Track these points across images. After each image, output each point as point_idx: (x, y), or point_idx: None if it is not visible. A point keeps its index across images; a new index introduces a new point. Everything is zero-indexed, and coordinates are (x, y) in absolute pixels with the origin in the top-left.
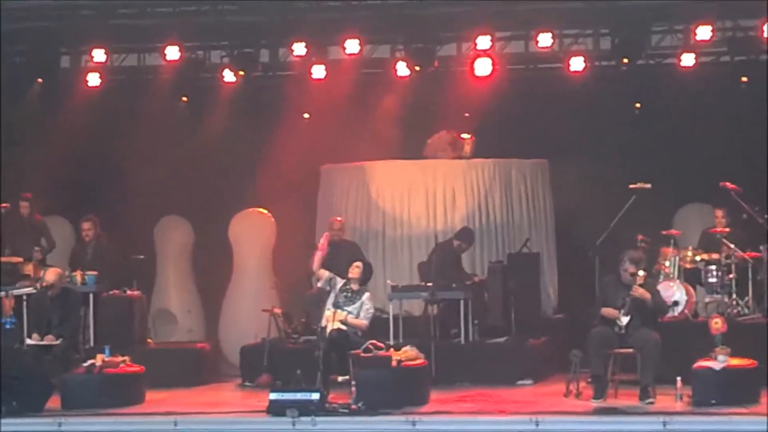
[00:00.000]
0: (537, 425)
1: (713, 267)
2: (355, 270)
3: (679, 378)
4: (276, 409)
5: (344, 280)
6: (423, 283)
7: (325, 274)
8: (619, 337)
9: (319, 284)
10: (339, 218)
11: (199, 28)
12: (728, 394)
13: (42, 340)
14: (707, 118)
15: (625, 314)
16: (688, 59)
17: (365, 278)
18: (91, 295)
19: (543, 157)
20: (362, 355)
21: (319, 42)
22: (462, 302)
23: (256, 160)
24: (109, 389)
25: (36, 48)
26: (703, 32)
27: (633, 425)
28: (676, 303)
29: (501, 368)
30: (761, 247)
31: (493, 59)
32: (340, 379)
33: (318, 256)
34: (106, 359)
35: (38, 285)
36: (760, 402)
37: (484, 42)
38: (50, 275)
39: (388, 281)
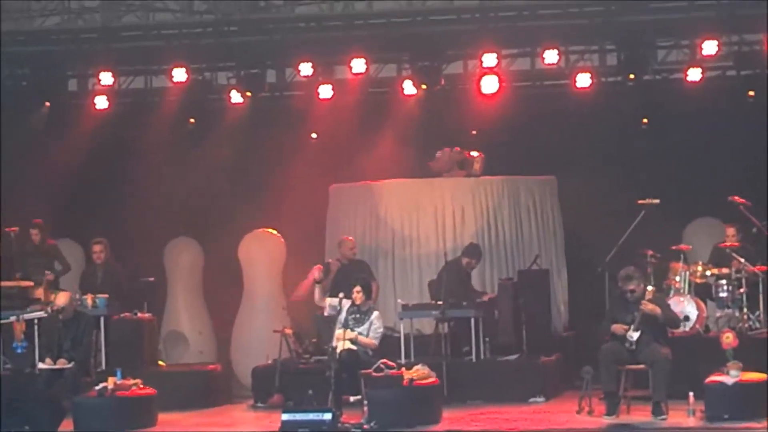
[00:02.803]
0: None
1: (724, 281)
2: (358, 296)
3: (691, 393)
4: (288, 430)
5: (352, 300)
6: (433, 302)
7: (328, 302)
8: (630, 353)
9: (326, 313)
10: (351, 238)
11: (206, 50)
12: (741, 409)
13: (54, 363)
14: (715, 133)
15: (635, 329)
16: (694, 74)
17: (368, 295)
18: (102, 318)
19: (551, 173)
20: (374, 374)
21: (326, 62)
22: (473, 320)
23: (264, 180)
24: (121, 412)
25: (43, 71)
26: (709, 47)
27: None
28: (687, 318)
29: (513, 386)
30: None
31: (499, 77)
32: (352, 398)
33: (304, 287)
34: (118, 382)
35: (49, 309)
36: None
37: (490, 59)
38: (61, 299)
39: (399, 300)
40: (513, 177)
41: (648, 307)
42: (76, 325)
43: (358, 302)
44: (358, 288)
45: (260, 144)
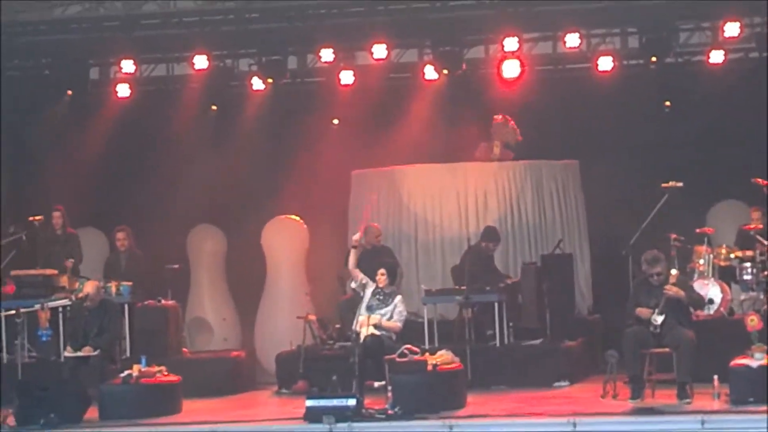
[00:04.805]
0: (575, 426)
1: (748, 264)
2: (381, 278)
3: (716, 376)
4: (313, 416)
5: (375, 284)
6: (457, 287)
7: (359, 274)
8: (654, 337)
9: (353, 285)
10: (377, 225)
11: (227, 37)
12: (766, 392)
13: (79, 351)
14: (737, 115)
15: (660, 313)
16: (716, 56)
17: (392, 279)
18: (126, 306)
19: (573, 157)
20: (398, 359)
21: (347, 47)
22: (496, 305)
23: (286, 167)
24: (146, 399)
25: (64, 60)
26: (731, 29)
27: (671, 425)
28: (711, 301)
29: (537, 370)
30: None
31: (521, 61)
32: (376, 384)
33: (353, 253)
34: (143, 369)
35: (73, 296)
36: None
37: (511, 44)
38: (88, 287)
39: (422, 286)
40: (535, 161)
41: (672, 290)
42: (103, 313)
43: (381, 285)
44: (382, 270)
45: (282, 130)
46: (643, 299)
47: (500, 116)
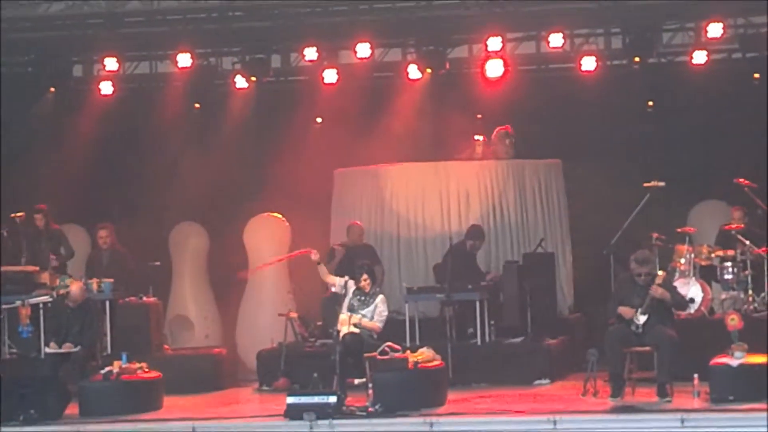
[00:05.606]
0: (555, 425)
1: (729, 264)
2: (365, 284)
3: (696, 375)
4: (293, 413)
5: (359, 286)
6: (438, 285)
7: (336, 280)
8: (635, 336)
9: (334, 290)
10: (360, 223)
11: (210, 35)
12: (746, 391)
13: (60, 348)
14: (720, 115)
15: (643, 313)
16: (699, 57)
17: (373, 279)
18: (107, 303)
19: (556, 156)
20: (379, 357)
21: (331, 46)
22: (478, 303)
23: (269, 165)
24: (126, 396)
25: (48, 57)
26: (715, 29)
27: (651, 423)
28: (692, 300)
29: (518, 368)
30: None
31: (504, 60)
32: (356, 381)
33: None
34: (124, 366)
35: (55, 293)
36: None
37: (495, 43)
38: (74, 287)
39: (404, 284)
40: (518, 160)
41: (658, 292)
42: (84, 311)
43: (367, 290)
44: (365, 276)
45: (265, 129)
46: (626, 297)
47: (504, 128)
